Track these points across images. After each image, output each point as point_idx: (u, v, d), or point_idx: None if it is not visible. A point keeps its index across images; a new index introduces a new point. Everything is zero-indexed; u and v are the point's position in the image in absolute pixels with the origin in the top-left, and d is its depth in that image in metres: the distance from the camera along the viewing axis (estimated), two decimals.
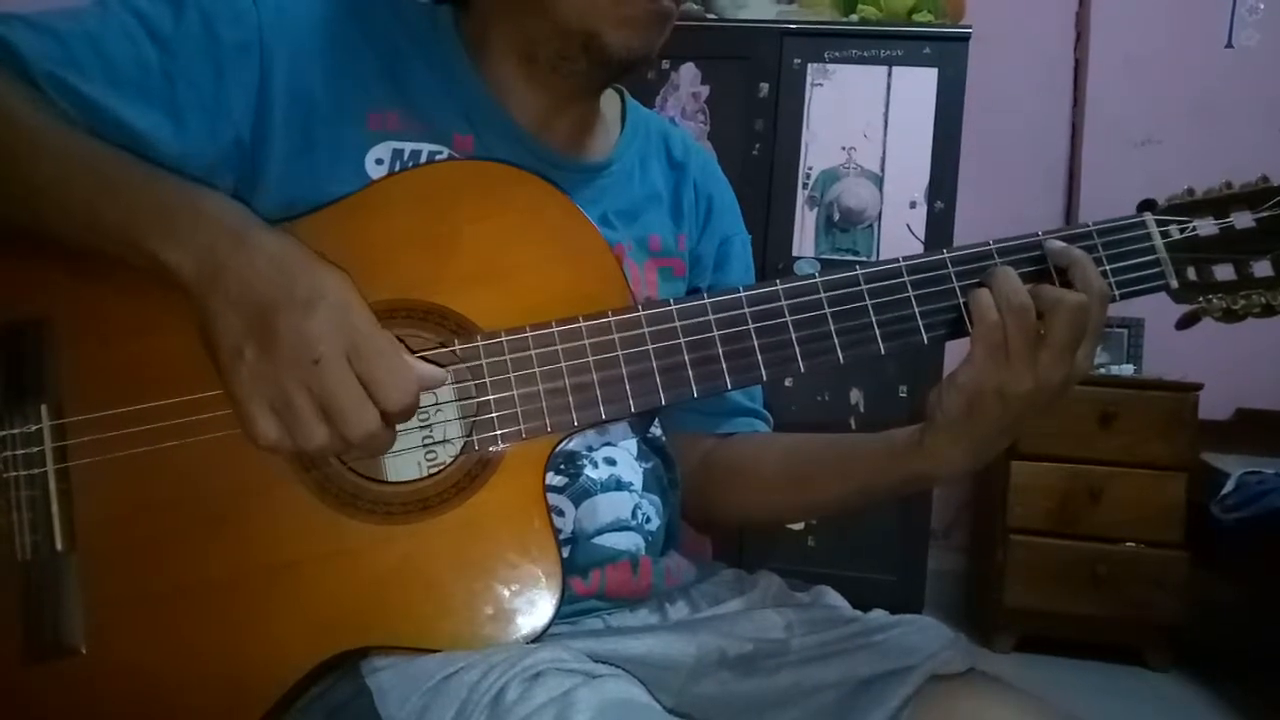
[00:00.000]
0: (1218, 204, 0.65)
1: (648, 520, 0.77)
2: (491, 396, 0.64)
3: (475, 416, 0.64)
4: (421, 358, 0.61)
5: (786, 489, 0.81)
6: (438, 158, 0.72)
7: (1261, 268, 0.65)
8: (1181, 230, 0.65)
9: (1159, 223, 0.66)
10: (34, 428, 0.62)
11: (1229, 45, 2.63)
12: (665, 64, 2.35)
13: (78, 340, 0.63)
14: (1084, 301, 0.61)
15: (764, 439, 0.88)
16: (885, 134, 2.28)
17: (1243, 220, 0.65)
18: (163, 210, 0.59)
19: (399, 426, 0.61)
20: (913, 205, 2.27)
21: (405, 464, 0.64)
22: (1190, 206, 0.66)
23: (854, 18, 2.39)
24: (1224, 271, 0.65)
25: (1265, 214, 0.64)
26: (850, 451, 0.77)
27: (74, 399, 0.62)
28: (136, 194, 0.60)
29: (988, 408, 0.63)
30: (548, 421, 0.64)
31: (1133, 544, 2.23)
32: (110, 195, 0.60)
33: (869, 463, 0.74)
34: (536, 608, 0.62)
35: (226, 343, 0.57)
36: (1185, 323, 0.67)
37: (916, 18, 2.35)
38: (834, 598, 0.80)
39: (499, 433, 0.64)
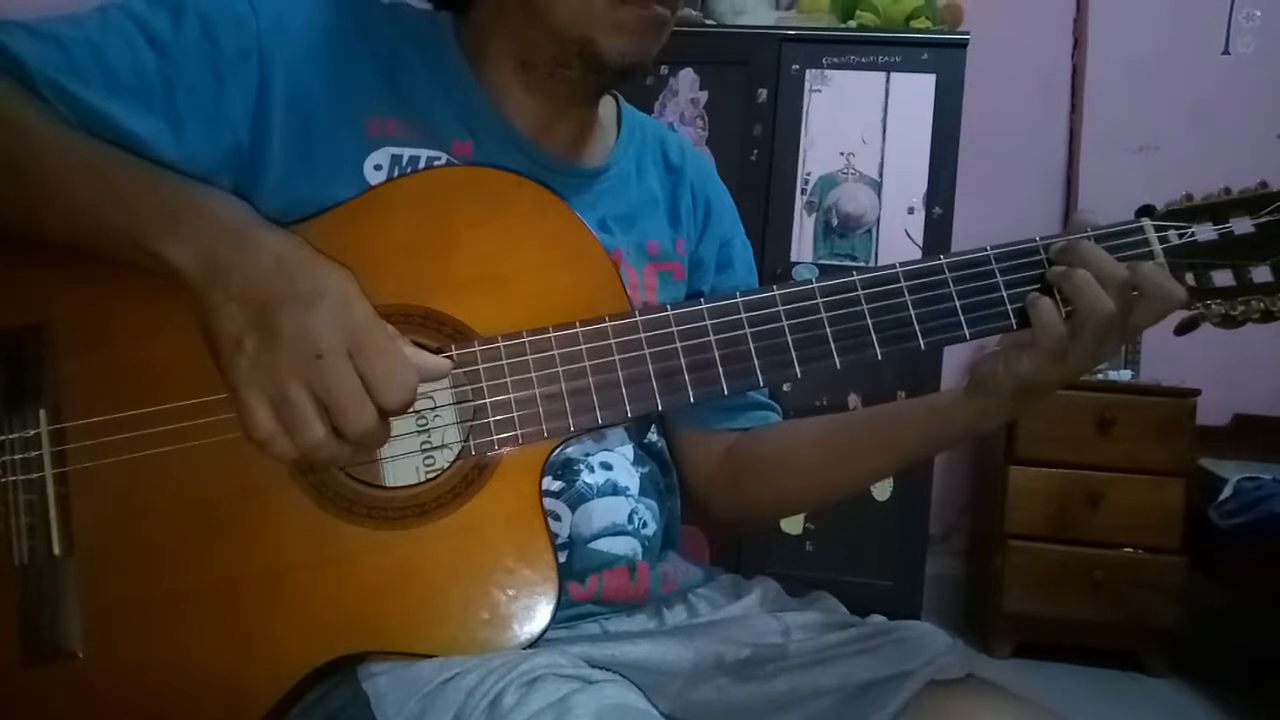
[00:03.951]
0: (1216, 209, 0.65)
1: (644, 525, 0.77)
2: (488, 401, 0.64)
3: (472, 421, 0.64)
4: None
5: (829, 468, 0.80)
6: (436, 163, 0.72)
7: (1261, 273, 0.64)
8: (1180, 235, 0.65)
9: (1157, 228, 0.65)
10: (32, 432, 0.62)
11: (1226, 52, 2.63)
12: (664, 69, 2.35)
13: (76, 345, 0.63)
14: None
15: (790, 426, 0.87)
16: (883, 140, 2.28)
17: (1242, 226, 0.64)
18: (165, 209, 0.60)
19: (397, 431, 0.61)
20: (911, 211, 2.27)
21: (404, 469, 0.64)
22: (1189, 212, 0.65)
23: (852, 24, 2.39)
24: (1223, 277, 0.65)
25: (1264, 219, 0.64)
26: (891, 421, 0.77)
27: (72, 404, 0.62)
28: (139, 193, 0.60)
29: (1044, 390, 0.66)
30: (544, 427, 0.64)
31: (1131, 549, 2.23)
32: (113, 195, 0.60)
33: (914, 428, 0.75)
34: (533, 613, 0.62)
35: (227, 335, 0.57)
36: (1184, 328, 0.67)
37: (914, 24, 2.35)
38: (832, 603, 0.80)
39: (495, 438, 0.64)
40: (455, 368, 0.63)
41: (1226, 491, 2.16)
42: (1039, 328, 0.63)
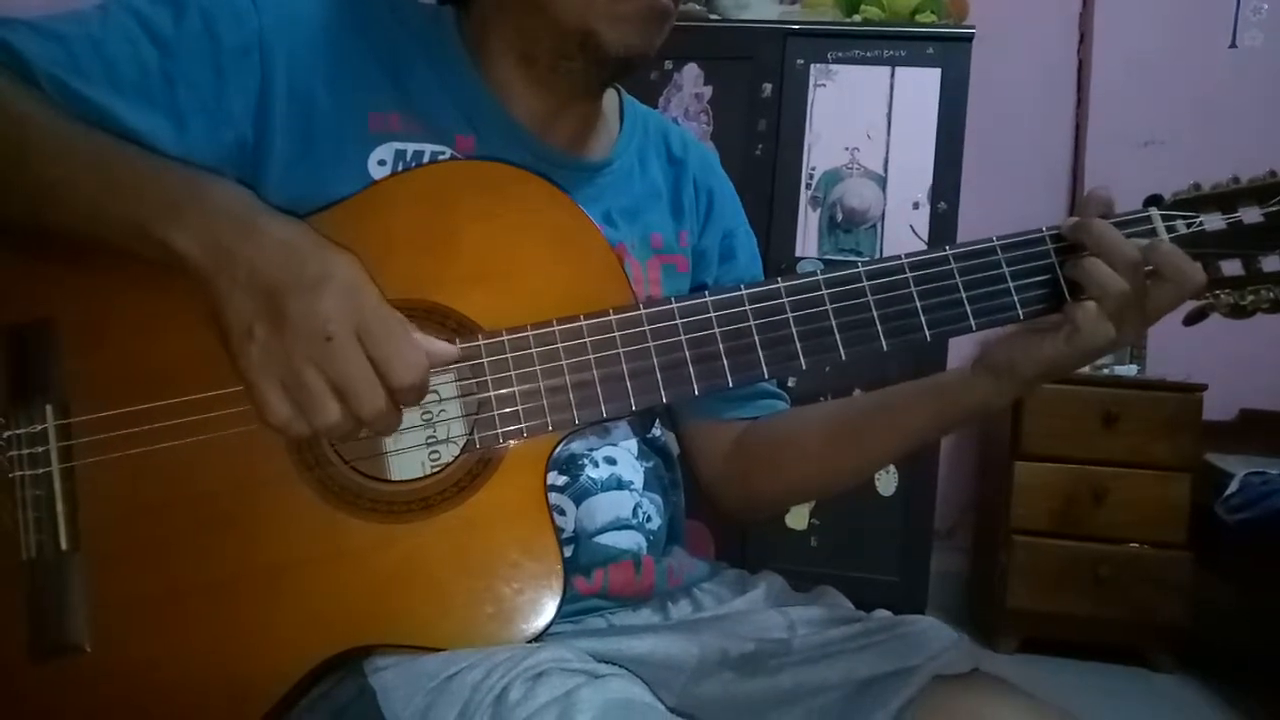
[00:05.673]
0: (1225, 199, 0.64)
1: (649, 519, 0.77)
2: (492, 394, 0.64)
3: (477, 415, 0.64)
4: None
5: (839, 454, 0.80)
6: (440, 158, 0.72)
7: (1270, 262, 0.63)
8: (1188, 225, 0.64)
9: (1165, 218, 0.65)
10: (39, 427, 0.62)
11: (1233, 46, 2.62)
12: (668, 64, 2.35)
13: (82, 340, 0.63)
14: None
15: (798, 412, 0.87)
16: (888, 134, 2.28)
17: (1250, 215, 0.63)
18: (170, 198, 0.60)
19: (403, 424, 0.61)
20: (916, 206, 2.27)
21: (409, 462, 0.64)
22: (1197, 201, 0.65)
23: (857, 18, 2.38)
24: (1232, 267, 0.64)
25: (1274, 208, 0.63)
26: (900, 403, 0.76)
27: (79, 399, 0.63)
28: (143, 183, 0.60)
29: (1063, 372, 0.66)
30: (549, 420, 0.64)
31: (1136, 545, 2.22)
32: (117, 185, 0.60)
33: (923, 410, 0.74)
34: (538, 607, 0.62)
35: (237, 324, 0.57)
36: (1192, 319, 0.66)
37: (919, 18, 2.34)
38: (837, 598, 0.80)
39: (500, 431, 0.64)
40: (459, 361, 0.63)
41: (1233, 487, 2.15)
42: (1084, 318, 0.62)
